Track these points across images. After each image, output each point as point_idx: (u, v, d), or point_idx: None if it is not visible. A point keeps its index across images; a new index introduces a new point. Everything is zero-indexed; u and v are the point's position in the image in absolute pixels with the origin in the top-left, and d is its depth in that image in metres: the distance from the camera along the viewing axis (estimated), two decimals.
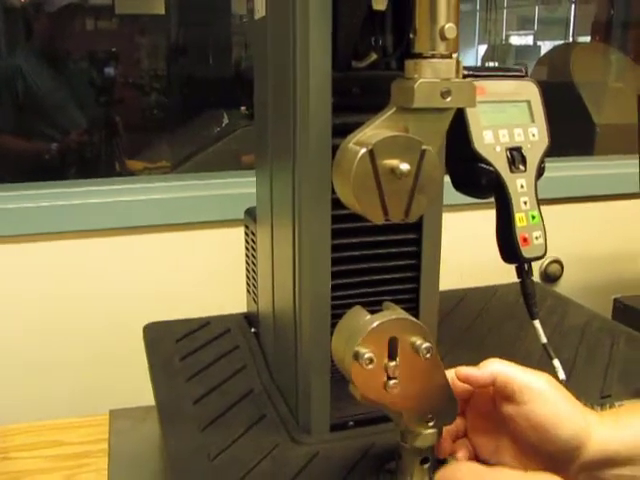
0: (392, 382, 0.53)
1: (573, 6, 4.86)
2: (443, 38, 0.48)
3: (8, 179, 1.35)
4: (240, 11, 3.01)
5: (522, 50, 5.81)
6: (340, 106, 0.58)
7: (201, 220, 1.22)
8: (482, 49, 5.22)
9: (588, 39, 3.38)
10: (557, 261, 1.41)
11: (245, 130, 1.83)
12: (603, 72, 2.37)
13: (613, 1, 3.01)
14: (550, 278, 1.41)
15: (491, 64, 4.96)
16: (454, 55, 0.50)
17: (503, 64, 4.96)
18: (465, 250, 1.18)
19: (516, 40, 6.19)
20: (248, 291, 0.90)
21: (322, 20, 0.56)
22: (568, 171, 1.46)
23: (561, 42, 4.84)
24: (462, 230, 1.09)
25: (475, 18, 5.12)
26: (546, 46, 5.50)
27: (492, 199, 0.72)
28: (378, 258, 0.64)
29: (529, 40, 6.18)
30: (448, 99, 0.49)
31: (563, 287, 1.42)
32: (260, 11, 0.69)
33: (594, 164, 1.57)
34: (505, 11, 5.70)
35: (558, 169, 1.43)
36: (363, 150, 0.47)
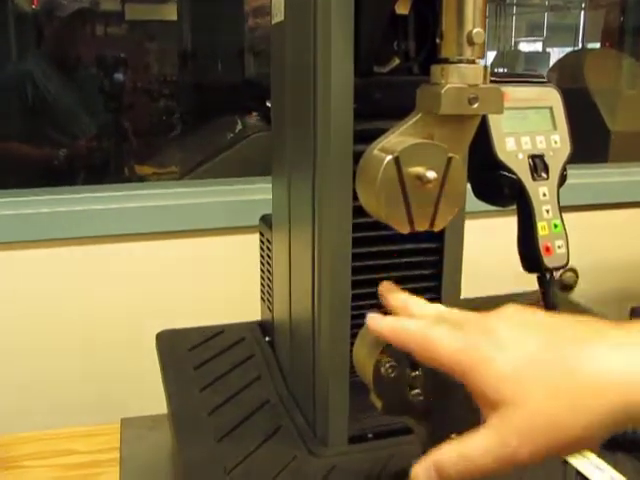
0: (414, 392, 0.52)
1: (582, 12, 4.86)
2: (471, 43, 0.47)
3: (17, 185, 1.34)
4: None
5: (531, 56, 5.81)
6: (362, 112, 0.57)
7: (214, 227, 1.21)
8: (491, 55, 5.22)
9: (597, 45, 3.37)
10: (572, 269, 1.40)
11: (258, 136, 1.82)
12: (616, 78, 2.36)
13: (624, 7, 3.00)
14: (565, 287, 1.40)
15: (500, 70, 4.96)
16: (480, 60, 0.49)
17: (512, 71, 4.96)
18: (481, 257, 1.17)
19: (525, 47, 6.19)
20: (262, 299, 0.89)
21: (344, 25, 0.55)
22: (582, 178, 1.45)
23: (570, 49, 4.84)
24: (478, 237, 1.08)
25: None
26: (555, 53, 5.50)
27: (511, 207, 0.71)
28: (399, 267, 0.63)
29: (538, 47, 6.18)
30: (475, 105, 0.48)
31: (578, 296, 1.40)
32: (278, 15, 0.68)
33: (609, 171, 1.56)
34: (514, 18, 5.70)
35: (572, 176, 1.40)
36: (389, 157, 0.46)
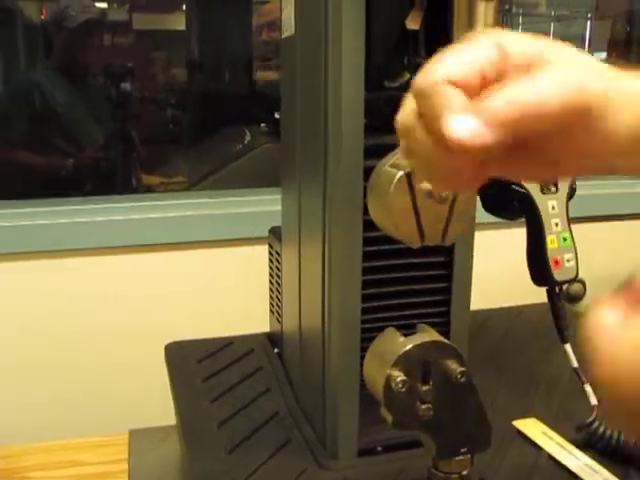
0: (425, 406, 0.52)
1: (589, 23, 4.85)
2: None
3: (24, 195, 1.34)
4: None
5: None
6: (372, 127, 0.57)
7: (222, 238, 1.21)
8: None
9: (604, 55, 3.36)
10: (580, 281, 1.39)
11: (267, 147, 1.82)
12: None
13: (631, 17, 3.00)
14: (572, 298, 1.39)
15: None
16: None
17: None
18: (489, 269, 1.16)
19: None
20: (271, 311, 0.89)
21: (355, 39, 0.55)
22: (591, 190, 1.44)
23: None
24: (486, 248, 1.08)
25: None
26: None
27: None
28: (409, 281, 0.63)
29: None
30: None
31: (586, 307, 1.39)
32: (289, 29, 0.69)
33: (617, 183, 1.55)
34: (520, 28, 5.70)
35: (580, 188, 1.41)
36: (400, 173, 0.46)
